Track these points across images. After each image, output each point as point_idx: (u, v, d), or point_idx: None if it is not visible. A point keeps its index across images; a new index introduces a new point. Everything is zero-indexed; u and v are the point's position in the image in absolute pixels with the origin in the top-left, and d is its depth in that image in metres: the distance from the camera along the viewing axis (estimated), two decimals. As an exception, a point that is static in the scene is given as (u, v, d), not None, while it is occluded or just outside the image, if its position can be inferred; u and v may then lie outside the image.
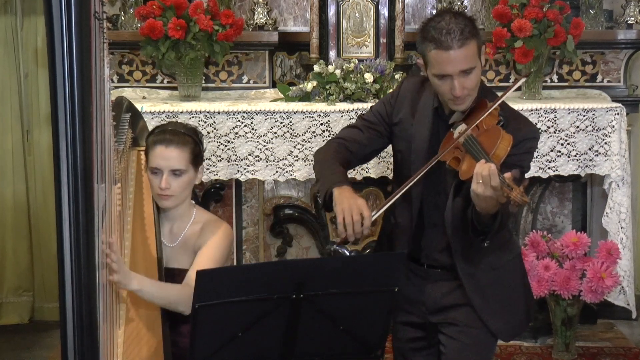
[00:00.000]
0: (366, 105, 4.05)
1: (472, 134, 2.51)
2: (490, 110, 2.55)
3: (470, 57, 2.51)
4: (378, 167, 4.08)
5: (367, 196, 4.43)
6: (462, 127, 2.56)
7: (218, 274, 2.26)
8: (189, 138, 2.80)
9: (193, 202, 2.90)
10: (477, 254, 2.67)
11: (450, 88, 2.53)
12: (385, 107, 2.80)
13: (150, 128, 3.11)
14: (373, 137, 2.79)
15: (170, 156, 2.73)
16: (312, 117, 4.08)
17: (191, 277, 2.57)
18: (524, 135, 2.59)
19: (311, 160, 4.04)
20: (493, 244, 2.63)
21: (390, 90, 4.09)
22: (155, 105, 4.13)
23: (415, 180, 2.58)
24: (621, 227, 4.09)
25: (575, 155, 4.10)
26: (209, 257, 2.71)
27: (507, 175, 2.31)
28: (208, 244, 2.74)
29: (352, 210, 2.52)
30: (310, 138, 4.07)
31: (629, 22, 4.49)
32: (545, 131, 4.04)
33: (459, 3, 4.57)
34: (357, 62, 4.20)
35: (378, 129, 2.79)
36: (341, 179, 2.64)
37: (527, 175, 3.97)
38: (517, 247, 2.88)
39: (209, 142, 4.04)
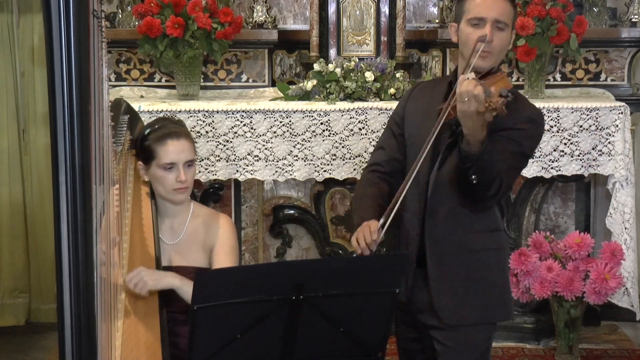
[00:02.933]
0: (367, 105, 4.02)
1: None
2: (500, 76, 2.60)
3: (506, 13, 2.63)
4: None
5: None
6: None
7: (217, 275, 2.25)
8: (185, 129, 2.90)
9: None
10: (455, 225, 2.67)
11: (482, 34, 2.60)
12: (403, 102, 2.86)
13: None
14: (401, 140, 2.79)
15: (184, 148, 2.78)
16: (312, 116, 4.04)
17: None
18: (527, 113, 2.65)
19: (311, 160, 4.03)
20: (478, 225, 2.66)
21: (391, 89, 4.08)
22: (153, 104, 4.09)
23: (424, 154, 2.56)
24: (625, 228, 4.06)
25: (578, 155, 4.06)
26: (229, 253, 2.79)
27: (493, 88, 2.38)
28: (221, 241, 2.80)
29: (362, 228, 2.59)
30: (310, 137, 4.03)
31: (633, 20, 4.45)
32: (548, 130, 4.00)
33: (460, 1, 4.55)
34: (357, 60, 4.17)
35: (401, 126, 2.81)
36: (367, 216, 2.66)
37: (529, 175, 4.02)
38: (503, 243, 2.83)
39: (207, 141, 4.01)
